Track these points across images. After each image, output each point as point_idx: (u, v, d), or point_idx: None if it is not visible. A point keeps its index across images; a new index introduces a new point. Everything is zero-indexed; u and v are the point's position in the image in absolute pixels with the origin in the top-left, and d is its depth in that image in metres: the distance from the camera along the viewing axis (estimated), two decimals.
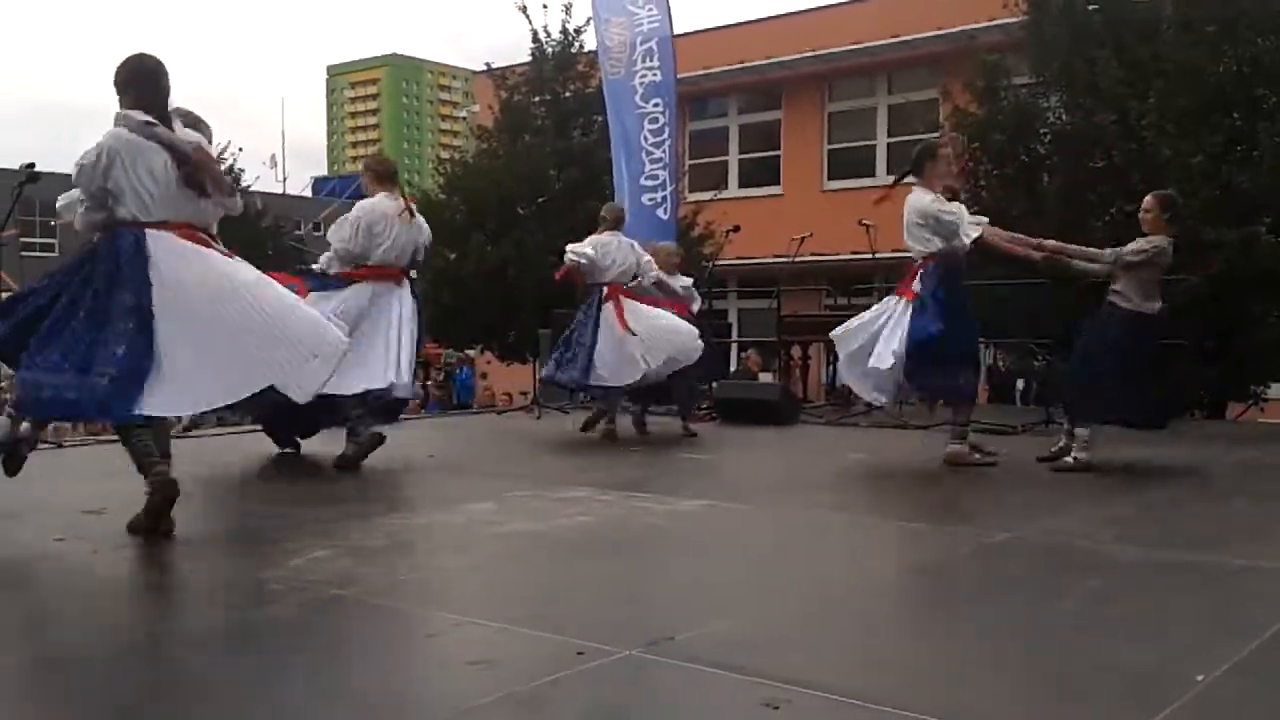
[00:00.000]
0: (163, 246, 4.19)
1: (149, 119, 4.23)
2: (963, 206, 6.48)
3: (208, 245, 4.35)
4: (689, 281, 8.56)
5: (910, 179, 6.29)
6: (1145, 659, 2.83)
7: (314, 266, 6.59)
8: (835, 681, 2.61)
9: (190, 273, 4.21)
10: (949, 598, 3.65)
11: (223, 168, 20.19)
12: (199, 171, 4.28)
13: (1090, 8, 11.07)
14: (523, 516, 4.81)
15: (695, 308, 8.30)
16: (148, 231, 4.19)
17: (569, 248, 7.71)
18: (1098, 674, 2.69)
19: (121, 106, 4.27)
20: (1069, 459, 6.15)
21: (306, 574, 3.74)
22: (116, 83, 4.30)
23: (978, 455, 6.35)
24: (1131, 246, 6.09)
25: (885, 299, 6.52)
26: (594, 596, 3.57)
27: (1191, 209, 9.60)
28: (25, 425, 4.51)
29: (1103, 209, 10.75)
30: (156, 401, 4.09)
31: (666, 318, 7.54)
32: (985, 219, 6.49)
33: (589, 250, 7.58)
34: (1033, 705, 2.54)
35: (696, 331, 7.54)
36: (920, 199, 6.15)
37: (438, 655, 2.98)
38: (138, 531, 4.17)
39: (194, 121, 4.76)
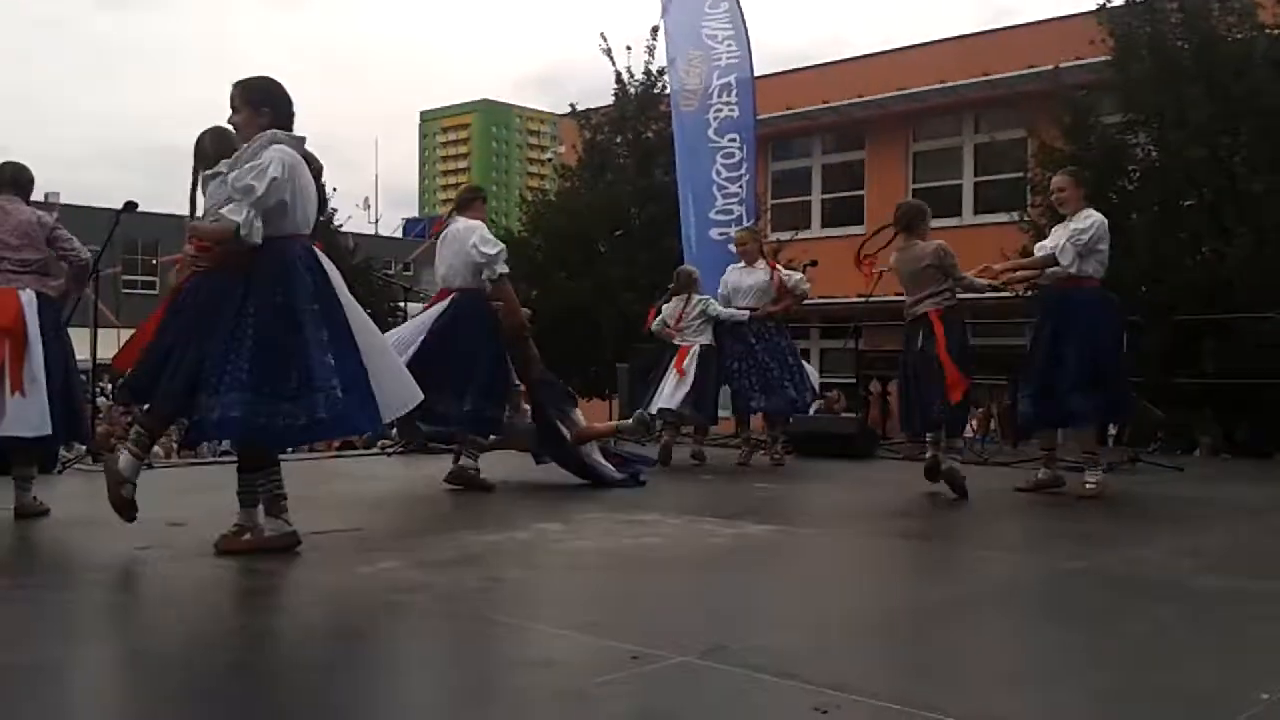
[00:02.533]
0: (324, 259, 4.31)
1: (302, 136, 4.35)
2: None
3: None
4: (765, 276, 8.33)
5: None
6: (1208, 682, 2.76)
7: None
8: (884, 689, 2.60)
9: (342, 284, 4.34)
10: (1011, 619, 3.59)
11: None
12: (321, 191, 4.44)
13: (1179, 43, 10.91)
14: (590, 535, 4.86)
15: (804, 288, 8.46)
16: (312, 245, 4.31)
17: (651, 327, 8.33)
18: (1157, 693, 2.64)
19: (248, 121, 4.26)
20: (1091, 485, 6.08)
21: (373, 581, 3.83)
22: (250, 100, 4.28)
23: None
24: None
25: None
26: (652, 608, 3.60)
27: None
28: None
29: (1194, 246, 10.54)
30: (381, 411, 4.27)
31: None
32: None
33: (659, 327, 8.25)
34: (1082, 718, 2.49)
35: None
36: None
37: (494, 655, 3.03)
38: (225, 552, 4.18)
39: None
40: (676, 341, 8.13)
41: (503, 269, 6.14)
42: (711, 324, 8.10)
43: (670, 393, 7.91)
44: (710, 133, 10.61)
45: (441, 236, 6.44)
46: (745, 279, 8.23)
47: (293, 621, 3.42)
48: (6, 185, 5.32)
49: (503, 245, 6.31)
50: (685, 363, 7.96)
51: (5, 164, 5.41)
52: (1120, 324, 6.31)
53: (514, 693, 2.66)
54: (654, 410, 7.80)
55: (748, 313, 8.11)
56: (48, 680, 2.72)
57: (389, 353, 4.59)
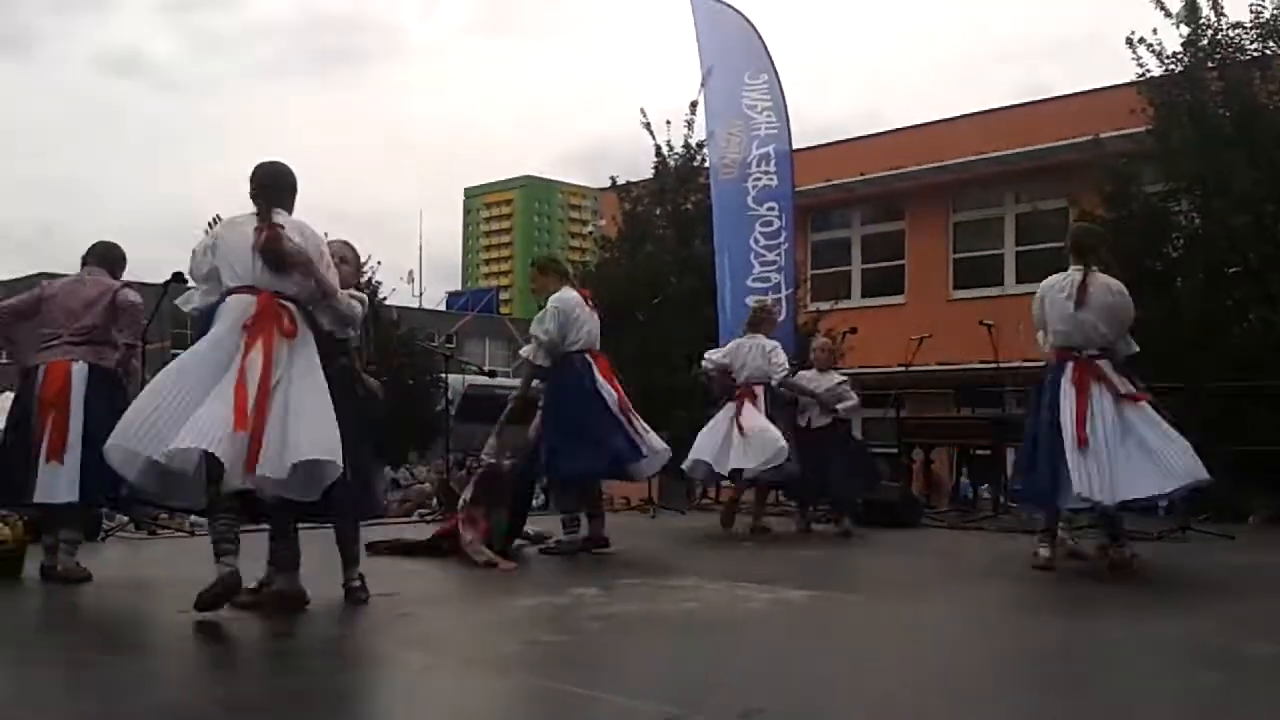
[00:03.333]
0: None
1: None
2: None
3: None
4: (838, 379, 8.28)
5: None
6: None
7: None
8: None
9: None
10: (1054, 686, 3.49)
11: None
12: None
13: (1220, 111, 10.88)
14: (627, 600, 4.81)
15: (844, 406, 8.05)
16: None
17: (706, 355, 8.14)
18: None
19: (286, 207, 4.50)
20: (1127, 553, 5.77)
21: (406, 645, 3.81)
22: (286, 186, 4.54)
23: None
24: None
25: None
26: (686, 670, 3.53)
27: None
28: None
29: (1241, 313, 10.41)
30: None
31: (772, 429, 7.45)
32: None
33: (718, 358, 7.98)
34: None
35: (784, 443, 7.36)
36: None
37: (524, 715, 2.99)
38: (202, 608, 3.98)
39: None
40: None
41: None
42: None
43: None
44: (749, 200, 10.69)
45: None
46: (762, 360, 7.77)
47: (327, 685, 3.39)
48: (94, 260, 5.55)
49: None
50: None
51: (97, 243, 5.67)
52: None
53: None
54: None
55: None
56: None
57: None
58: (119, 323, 5.42)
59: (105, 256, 5.59)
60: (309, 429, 4.03)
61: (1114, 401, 5.44)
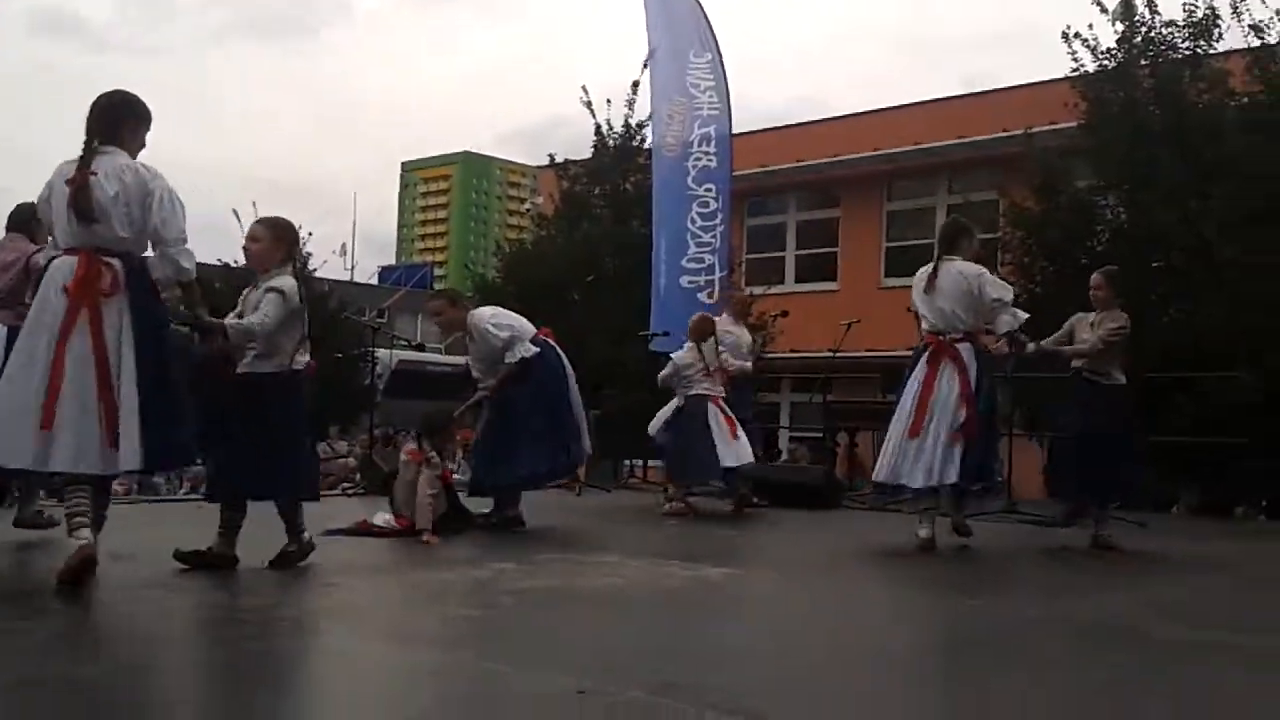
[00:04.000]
0: None
1: None
2: None
3: None
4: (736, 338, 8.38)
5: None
6: None
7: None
8: None
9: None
10: (967, 663, 3.51)
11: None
12: None
13: (1150, 108, 11.07)
14: (548, 575, 4.76)
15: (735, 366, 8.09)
16: None
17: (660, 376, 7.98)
18: None
19: (122, 141, 4.13)
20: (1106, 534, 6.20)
21: (314, 614, 3.72)
22: (117, 119, 4.14)
23: None
24: (1109, 327, 6.28)
25: None
26: (602, 645, 3.50)
27: (1256, 306, 9.46)
28: None
29: (1163, 308, 10.60)
30: None
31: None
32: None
33: (666, 373, 7.88)
34: None
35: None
36: None
37: (439, 689, 2.93)
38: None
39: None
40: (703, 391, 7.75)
41: None
42: None
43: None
44: (689, 180, 10.64)
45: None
46: (700, 365, 7.85)
47: (245, 654, 3.28)
48: (12, 225, 5.61)
49: None
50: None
51: (16, 206, 5.61)
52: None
53: None
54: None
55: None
56: None
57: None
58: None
59: (21, 221, 5.55)
60: (127, 433, 3.89)
61: (958, 387, 5.82)
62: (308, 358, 4.71)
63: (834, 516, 8.13)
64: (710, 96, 10.72)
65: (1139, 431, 6.86)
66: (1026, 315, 6.20)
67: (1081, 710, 2.85)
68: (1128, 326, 6.31)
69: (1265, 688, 3.18)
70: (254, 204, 19.06)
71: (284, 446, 4.53)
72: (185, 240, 4.12)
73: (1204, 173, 10.34)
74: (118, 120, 4.14)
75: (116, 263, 4.01)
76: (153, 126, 4.27)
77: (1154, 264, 10.63)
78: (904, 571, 5.58)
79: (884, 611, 4.41)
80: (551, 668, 3.03)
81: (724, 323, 8.36)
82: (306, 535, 4.67)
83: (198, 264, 4.27)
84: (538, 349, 6.48)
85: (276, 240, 4.74)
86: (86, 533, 3.85)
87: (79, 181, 3.97)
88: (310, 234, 20.62)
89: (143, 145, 4.21)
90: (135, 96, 4.24)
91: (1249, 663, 3.50)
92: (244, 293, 4.75)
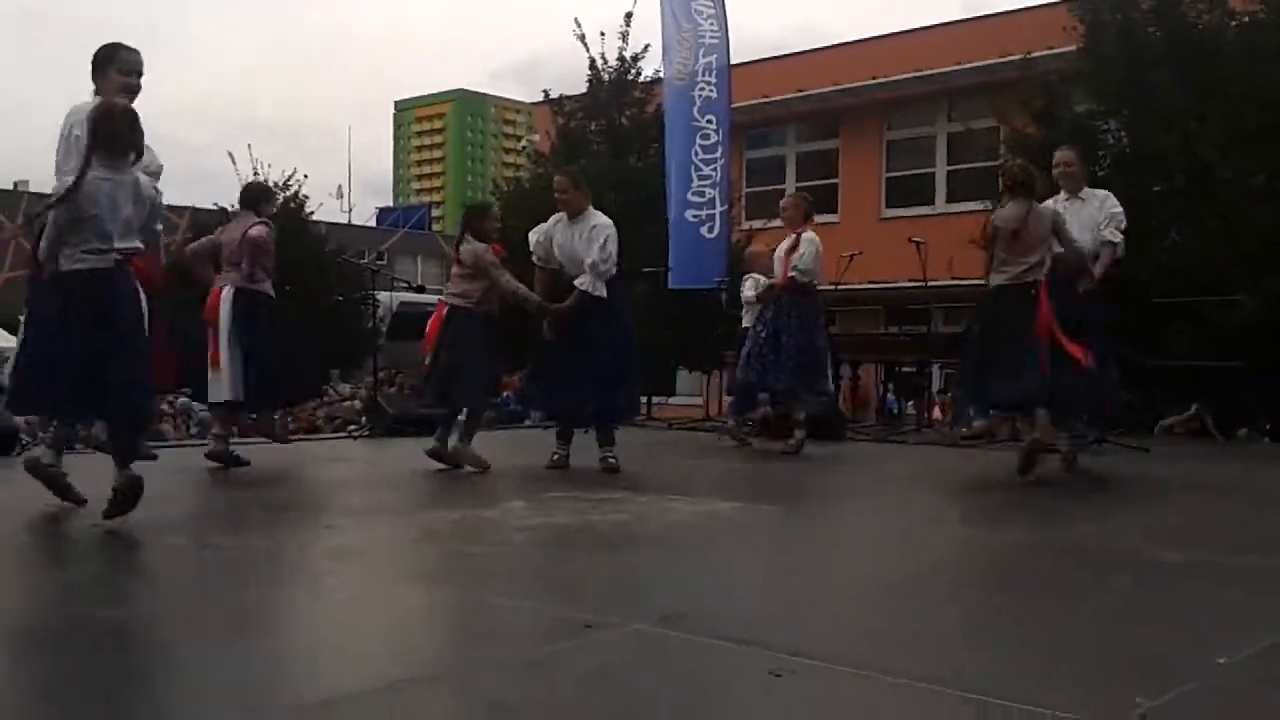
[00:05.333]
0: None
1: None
2: None
3: None
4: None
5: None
6: (1165, 647, 2.75)
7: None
8: (840, 654, 2.57)
9: None
10: (966, 588, 3.59)
11: (288, 194, 20.03)
12: None
13: (1149, 30, 10.94)
14: (555, 513, 4.82)
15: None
16: None
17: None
18: (1111, 655, 2.63)
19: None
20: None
21: (321, 554, 3.79)
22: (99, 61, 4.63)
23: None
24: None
25: None
26: (609, 580, 3.57)
27: (1255, 230, 9.44)
28: None
29: (1164, 233, 10.57)
30: None
31: None
32: None
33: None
34: (1030, 678, 2.45)
35: None
36: None
37: (446, 625, 2.99)
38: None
39: None
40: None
41: None
42: None
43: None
44: (694, 111, 10.45)
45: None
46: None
47: (251, 598, 3.35)
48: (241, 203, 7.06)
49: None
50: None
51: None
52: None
53: (463, 663, 2.61)
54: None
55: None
56: None
57: None
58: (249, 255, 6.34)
59: (250, 199, 6.87)
60: None
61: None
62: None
63: (837, 448, 8.19)
64: (712, 25, 10.50)
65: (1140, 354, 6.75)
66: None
67: (1081, 628, 2.91)
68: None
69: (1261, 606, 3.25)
70: (249, 146, 18.84)
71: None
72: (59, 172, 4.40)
73: (1203, 94, 10.25)
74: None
75: None
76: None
77: (1154, 189, 10.58)
78: (906, 501, 5.65)
79: (885, 542, 4.47)
80: (559, 603, 3.10)
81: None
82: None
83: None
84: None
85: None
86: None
87: None
88: (306, 176, 20.59)
89: (115, 86, 4.53)
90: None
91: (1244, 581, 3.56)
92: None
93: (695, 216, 10.15)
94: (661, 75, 15.64)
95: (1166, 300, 9.38)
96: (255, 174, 17.33)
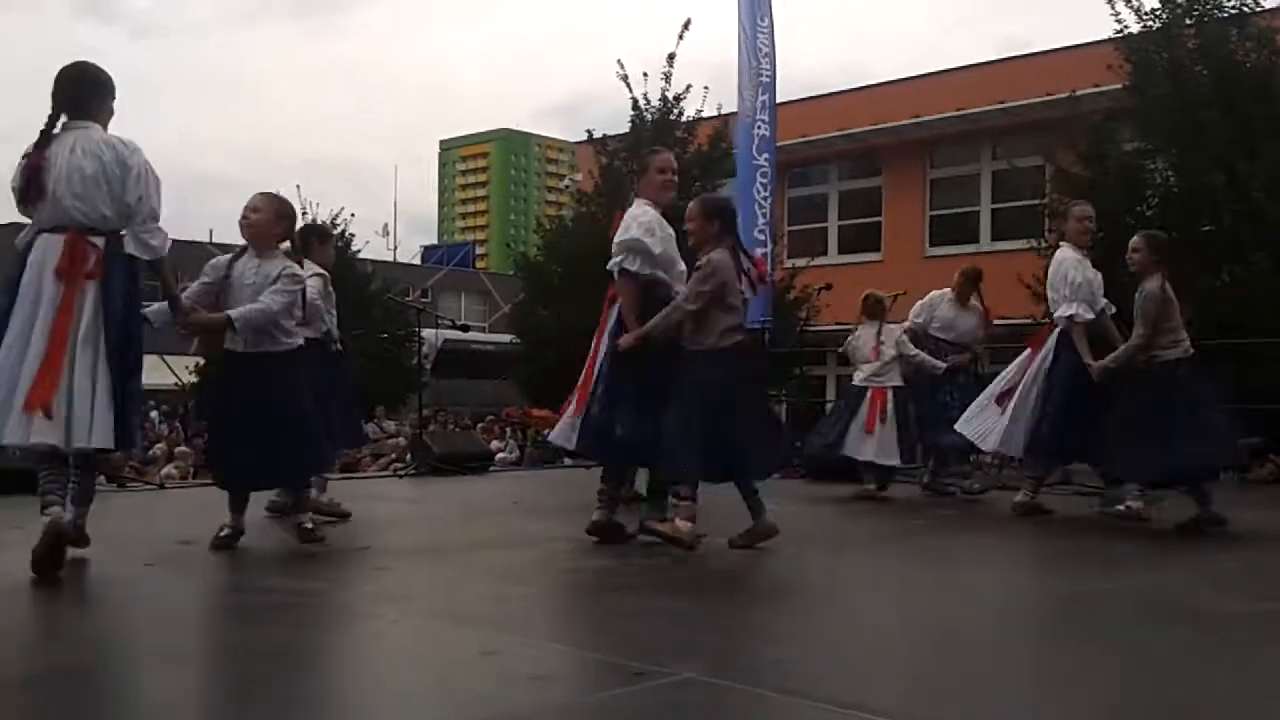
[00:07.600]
0: None
1: None
2: None
3: None
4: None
5: None
6: (1225, 699, 2.68)
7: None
8: (896, 707, 2.53)
9: None
10: (1025, 638, 3.52)
11: (335, 232, 20.23)
12: None
13: (1197, 69, 10.87)
14: (599, 554, 4.81)
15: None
16: None
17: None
18: (1174, 708, 2.57)
19: (90, 114, 4.11)
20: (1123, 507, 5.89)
21: (367, 596, 3.79)
22: (82, 93, 4.10)
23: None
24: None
25: None
26: (657, 625, 3.54)
27: None
28: None
29: (1214, 273, 10.45)
30: None
31: None
32: None
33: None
34: None
35: None
36: None
37: (496, 670, 2.98)
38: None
39: None
40: (864, 383, 7.75)
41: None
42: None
43: (870, 443, 7.51)
44: (754, 149, 10.36)
45: None
46: (961, 320, 7.90)
47: (297, 639, 3.37)
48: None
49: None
50: (886, 410, 7.56)
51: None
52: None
53: (513, 709, 2.60)
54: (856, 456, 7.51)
55: (944, 366, 7.79)
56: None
57: None
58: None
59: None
60: (100, 413, 3.86)
61: None
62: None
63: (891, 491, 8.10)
64: (766, 62, 10.41)
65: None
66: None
67: (1141, 679, 2.85)
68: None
69: None
70: (297, 186, 19.08)
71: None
72: (156, 219, 4.08)
73: (1252, 133, 10.16)
74: (85, 93, 4.09)
75: (100, 242, 3.96)
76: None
77: (1203, 228, 10.47)
78: (965, 546, 5.59)
79: (946, 588, 4.42)
80: (606, 650, 3.08)
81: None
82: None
83: None
84: None
85: (279, 216, 4.85)
86: (56, 509, 3.87)
87: (35, 163, 3.91)
88: (353, 215, 20.88)
89: (111, 115, 4.17)
90: (97, 66, 4.18)
91: None
92: (219, 261, 4.83)
93: (760, 255, 10.04)
94: (702, 114, 15.85)
95: (1219, 341, 9.24)
96: (304, 213, 17.63)
